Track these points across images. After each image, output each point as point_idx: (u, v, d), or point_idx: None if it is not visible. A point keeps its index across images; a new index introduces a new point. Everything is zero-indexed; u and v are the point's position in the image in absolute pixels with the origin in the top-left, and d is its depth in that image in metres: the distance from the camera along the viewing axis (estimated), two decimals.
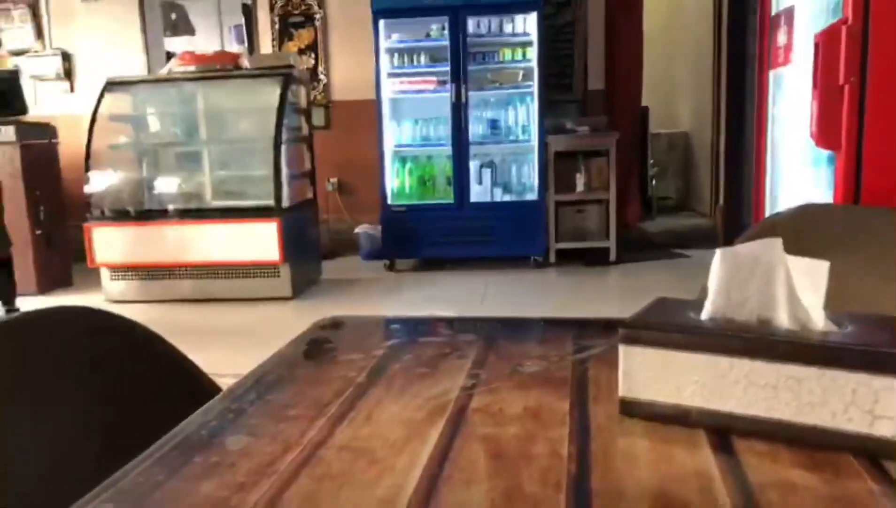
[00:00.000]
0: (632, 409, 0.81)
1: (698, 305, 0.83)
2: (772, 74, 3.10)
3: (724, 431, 0.76)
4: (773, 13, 3.04)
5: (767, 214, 3.25)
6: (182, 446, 0.78)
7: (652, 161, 7.71)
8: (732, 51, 5.68)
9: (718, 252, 0.82)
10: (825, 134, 2.00)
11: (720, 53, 6.28)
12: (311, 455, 0.74)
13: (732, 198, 6.05)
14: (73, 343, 0.97)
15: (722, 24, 6.18)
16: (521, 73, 5.54)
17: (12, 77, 5.43)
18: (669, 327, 0.80)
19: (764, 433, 0.74)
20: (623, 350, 0.81)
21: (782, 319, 0.77)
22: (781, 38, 2.84)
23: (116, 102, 5.09)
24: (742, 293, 0.80)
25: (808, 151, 2.54)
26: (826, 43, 2.03)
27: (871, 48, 1.94)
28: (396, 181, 5.67)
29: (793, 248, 0.80)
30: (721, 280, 0.81)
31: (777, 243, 0.79)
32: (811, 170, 2.62)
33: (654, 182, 7.71)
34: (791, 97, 2.87)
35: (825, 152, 2.25)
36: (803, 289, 0.77)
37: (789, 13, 2.77)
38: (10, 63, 6.40)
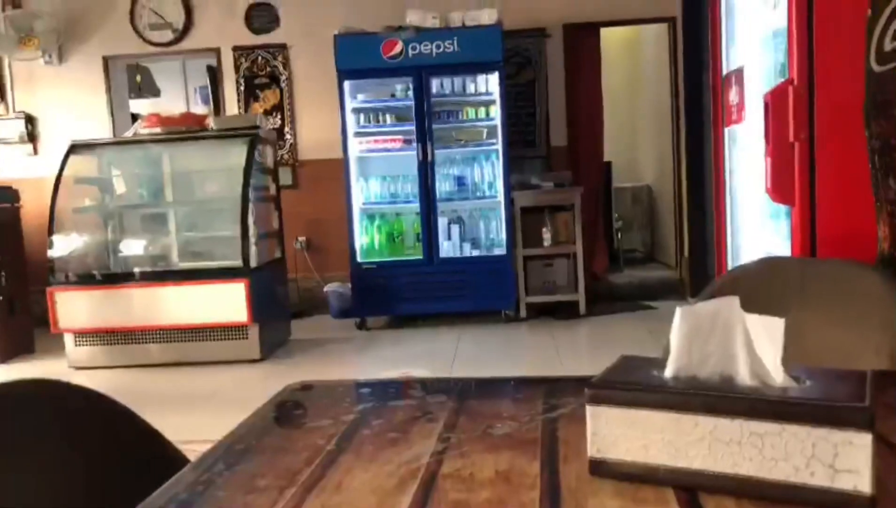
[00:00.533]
0: (601, 469, 0.82)
1: (662, 363, 0.85)
2: (727, 130, 3.21)
3: (691, 488, 0.77)
4: (724, 73, 3.17)
5: (730, 264, 3.33)
6: None
7: (616, 214, 7.84)
8: (690, 107, 5.88)
9: (678, 311, 0.84)
10: (779, 189, 2.08)
11: (678, 109, 6.48)
12: None
13: (697, 249, 6.16)
14: (38, 418, 0.95)
15: (679, 81, 6.39)
16: (485, 130, 5.65)
17: None
18: (634, 386, 0.81)
19: (730, 490, 0.75)
20: (590, 410, 0.82)
21: (743, 375, 0.79)
22: (733, 97, 2.95)
23: (81, 165, 5.07)
24: (703, 351, 0.82)
25: (766, 204, 2.62)
26: (775, 102, 2.12)
27: (818, 106, 2.03)
28: (365, 238, 5.69)
29: (756, 298, 0.83)
30: (682, 338, 0.83)
31: (734, 301, 0.82)
32: (770, 222, 2.69)
33: (619, 235, 7.83)
34: (746, 153, 2.96)
35: (782, 206, 2.32)
36: (762, 345, 0.80)
37: (739, 73, 2.89)
38: None
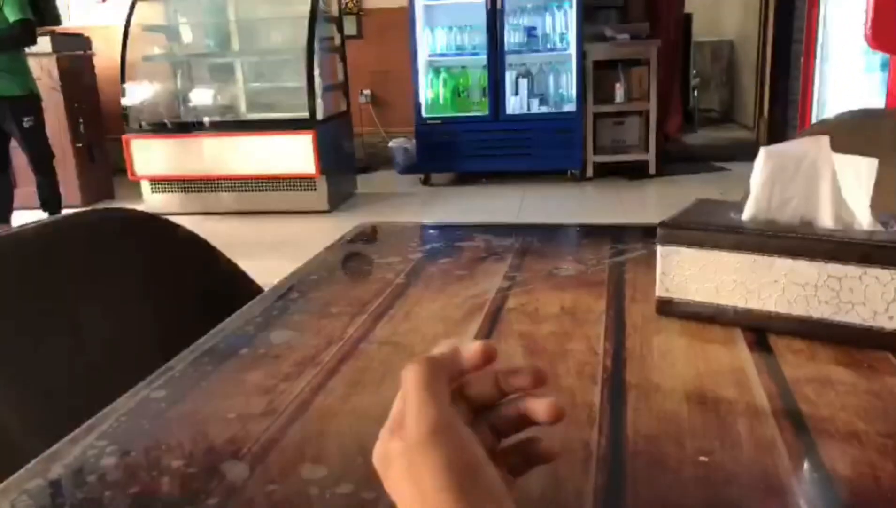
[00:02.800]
0: (668, 308, 0.81)
1: (739, 206, 0.82)
2: None
3: (761, 329, 0.76)
4: None
5: (814, 122, 3.16)
6: (228, 339, 0.81)
7: (695, 71, 7.46)
8: None
9: (762, 151, 0.80)
10: (880, 35, 1.91)
11: None
12: (353, 349, 0.77)
13: (778, 109, 5.87)
14: (128, 243, 1.00)
15: None
16: None
17: None
18: (709, 226, 0.79)
19: (802, 332, 0.74)
20: (661, 250, 0.81)
21: (826, 219, 0.76)
22: None
23: (148, 12, 5.04)
24: (785, 193, 0.78)
25: (861, 57, 2.44)
26: None
27: None
28: (431, 93, 5.58)
29: (841, 153, 0.78)
30: (764, 180, 0.79)
31: (824, 141, 0.77)
32: (863, 77, 2.52)
33: (696, 93, 7.49)
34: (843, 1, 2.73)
35: (879, 57, 2.15)
36: (850, 188, 0.76)
37: None
38: None
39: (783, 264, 0.74)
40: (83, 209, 0.99)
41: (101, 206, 5.27)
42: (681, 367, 0.70)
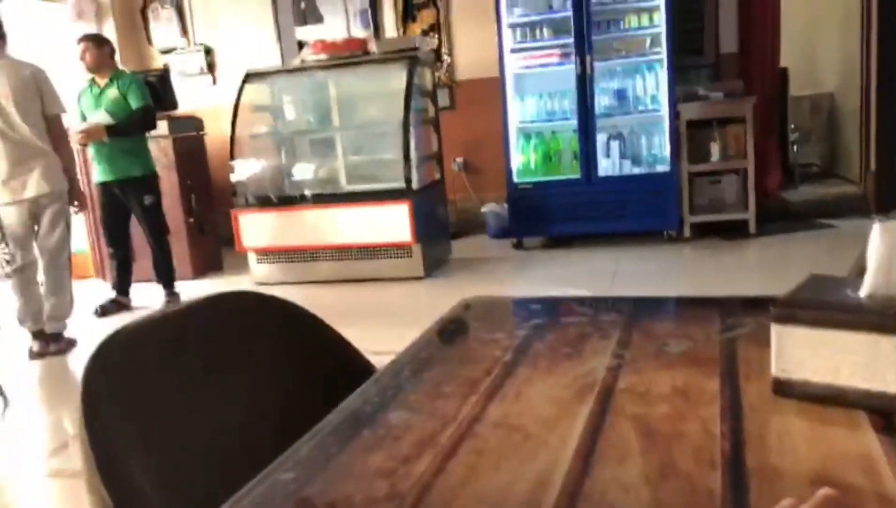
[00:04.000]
0: (785, 389, 0.80)
1: (855, 282, 0.80)
2: None
3: (887, 412, 0.74)
4: None
5: None
6: (350, 420, 0.85)
7: (793, 126, 7.25)
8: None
9: (877, 226, 0.79)
10: None
11: (869, 3, 5.80)
12: (468, 430, 0.79)
13: (885, 161, 5.61)
14: (251, 325, 1.07)
15: None
16: (648, 39, 5.36)
17: (164, 75, 5.84)
18: (826, 305, 0.78)
19: None
20: (776, 329, 0.80)
21: None
22: None
23: (255, 93, 5.37)
24: None
25: None
26: None
27: None
28: (522, 158, 5.66)
29: None
30: (881, 256, 0.78)
31: None
32: None
33: (795, 148, 7.26)
34: None
35: None
36: None
37: None
38: (160, 62, 6.90)
39: None
40: (216, 293, 1.07)
41: (210, 277, 5.55)
42: (803, 452, 0.69)
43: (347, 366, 1.13)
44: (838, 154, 7.67)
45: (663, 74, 5.24)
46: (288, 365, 1.10)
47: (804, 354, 0.78)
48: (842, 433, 0.72)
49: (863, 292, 0.78)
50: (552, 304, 1.27)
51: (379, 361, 1.08)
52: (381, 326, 3.77)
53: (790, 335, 0.79)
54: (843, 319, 0.76)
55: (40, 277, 4.05)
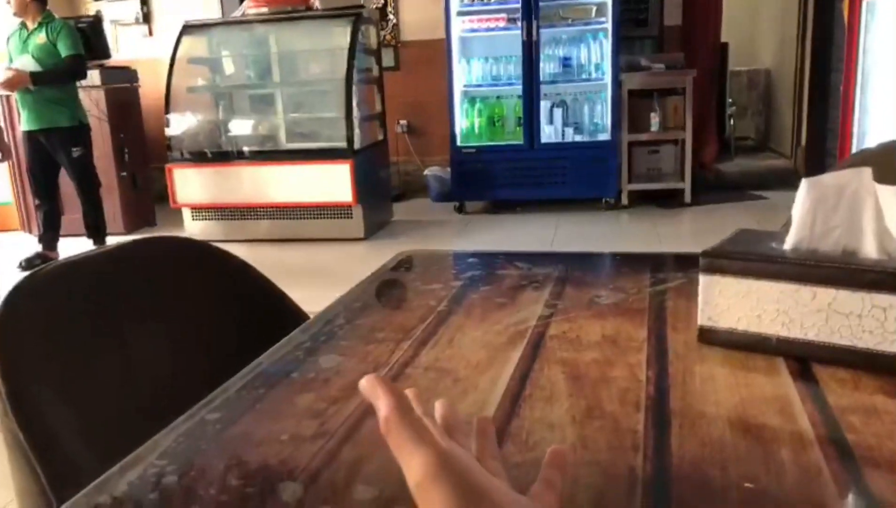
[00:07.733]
0: (711, 337, 0.82)
1: (780, 236, 0.82)
2: (865, 2, 2.94)
3: (804, 359, 0.76)
4: None
5: (854, 151, 3.13)
6: (279, 363, 0.84)
7: (730, 100, 7.43)
8: None
9: (804, 182, 0.81)
10: None
11: None
12: (399, 374, 0.79)
13: (816, 138, 5.81)
14: (180, 271, 1.04)
15: None
16: (594, 8, 5.37)
17: (95, 22, 5.59)
18: (752, 256, 0.80)
19: (846, 362, 0.74)
20: (704, 279, 0.82)
21: (869, 249, 0.76)
22: None
23: (193, 46, 5.19)
24: (827, 224, 0.79)
25: None
26: None
27: None
28: (466, 122, 5.64)
29: (883, 183, 0.79)
30: (806, 210, 0.80)
31: (866, 172, 0.78)
32: None
33: (732, 122, 7.45)
34: (886, 27, 2.72)
35: None
36: (893, 218, 0.76)
37: None
38: (92, 9, 6.59)
39: (826, 294, 0.74)
40: (140, 237, 1.03)
41: (142, 232, 5.40)
42: (724, 395, 0.71)
43: (280, 315, 1.11)
44: (772, 128, 7.90)
45: (608, 43, 5.27)
46: (219, 313, 1.08)
47: (729, 303, 0.80)
48: (761, 378, 0.74)
49: (787, 245, 0.81)
50: (489, 258, 1.27)
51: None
52: (320, 286, 3.73)
53: (717, 284, 0.81)
54: (767, 269, 0.78)
55: None
